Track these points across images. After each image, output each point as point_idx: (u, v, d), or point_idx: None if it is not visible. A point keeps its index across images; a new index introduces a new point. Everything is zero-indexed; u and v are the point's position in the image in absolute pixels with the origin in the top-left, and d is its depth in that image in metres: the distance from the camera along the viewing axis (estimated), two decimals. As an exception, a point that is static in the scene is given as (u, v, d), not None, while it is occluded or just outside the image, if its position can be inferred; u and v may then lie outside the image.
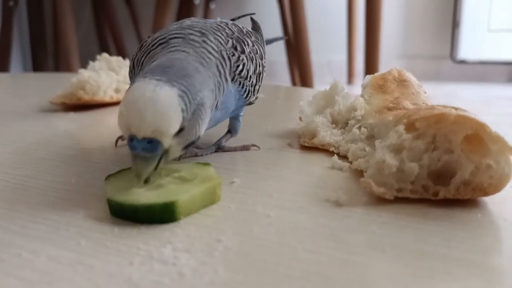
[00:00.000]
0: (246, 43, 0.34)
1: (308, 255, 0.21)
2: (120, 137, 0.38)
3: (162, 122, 0.25)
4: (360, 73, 1.62)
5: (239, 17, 0.44)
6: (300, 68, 1.23)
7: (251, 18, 0.42)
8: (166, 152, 0.26)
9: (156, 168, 0.26)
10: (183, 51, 0.30)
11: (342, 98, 0.39)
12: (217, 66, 0.30)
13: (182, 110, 0.26)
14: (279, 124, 0.44)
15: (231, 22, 0.36)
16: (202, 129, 0.28)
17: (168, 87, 0.26)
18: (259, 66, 0.35)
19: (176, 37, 0.31)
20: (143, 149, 0.25)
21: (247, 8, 1.94)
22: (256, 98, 0.36)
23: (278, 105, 0.59)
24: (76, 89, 0.51)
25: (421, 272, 0.20)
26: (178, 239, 0.23)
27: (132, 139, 0.25)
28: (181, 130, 0.26)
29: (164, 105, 0.25)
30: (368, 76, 0.40)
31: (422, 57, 1.98)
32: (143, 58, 0.32)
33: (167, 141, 0.26)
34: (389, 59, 1.76)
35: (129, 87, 0.27)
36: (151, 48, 0.31)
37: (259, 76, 0.35)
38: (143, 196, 0.25)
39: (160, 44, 0.31)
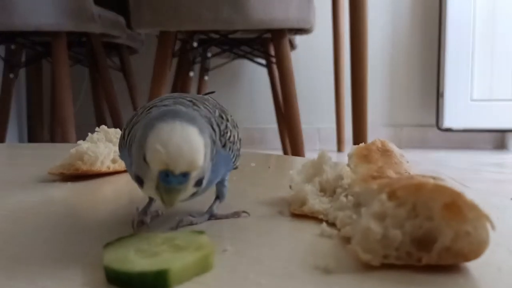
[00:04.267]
0: (226, 113, 0.37)
1: (298, 321, 0.22)
2: (134, 221, 0.35)
3: (196, 157, 0.28)
4: (350, 140, 1.67)
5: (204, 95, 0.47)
6: (290, 136, 1.27)
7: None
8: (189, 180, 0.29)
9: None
10: (175, 106, 0.33)
11: (330, 167, 0.41)
12: (211, 127, 0.33)
13: (205, 145, 0.29)
14: (270, 192, 0.46)
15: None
16: (206, 169, 0.30)
17: (191, 126, 0.29)
18: (238, 134, 0.38)
19: (168, 101, 0.34)
20: (178, 183, 0.28)
21: (240, 79, 2.02)
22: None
23: (269, 173, 0.61)
24: (74, 159, 0.53)
25: (407, 337, 0.21)
26: (172, 306, 0.24)
27: (167, 174, 0.27)
28: None
29: (194, 141, 0.28)
30: (354, 147, 0.42)
31: (409, 125, 2.04)
32: (134, 124, 0.33)
33: (196, 173, 0.29)
34: (376, 127, 1.82)
35: (154, 127, 0.29)
36: (145, 112, 0.34)
37: (240, 142, 0.38)
38: (138, 264, 0.26)
39: (154, 107, 0.34)
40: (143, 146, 0.29)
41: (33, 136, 1.83)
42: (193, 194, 0.31)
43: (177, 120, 0.29)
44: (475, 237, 0.27)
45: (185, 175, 0.28)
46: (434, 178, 0.30)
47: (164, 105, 0.33)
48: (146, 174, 0.29)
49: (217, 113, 0.35)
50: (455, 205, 0.28)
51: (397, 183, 0.30)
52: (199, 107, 0.34)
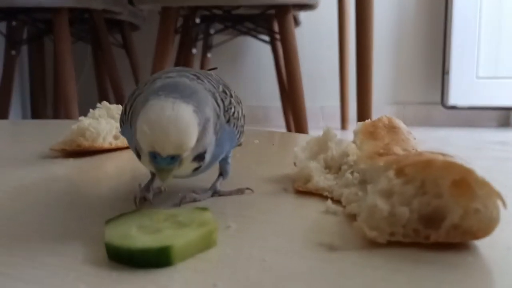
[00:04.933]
0: (230, 88, 0.36)
1: (303, 299, 0.22)
2: (136, 197, 0.35)
3: (184, 140, 0.27)
4: (354, 118, 1.66)
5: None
6: (294, 114, 1.26)
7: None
8: (181, 160, 0.28)
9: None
10: (180, 78, 0.32)
11: (335, 144, 0.40)
12: (215, 101, 0.32)
13: (198, 124, 0.28)
14: (274, 169, 0.45)
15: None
16: (208, 144, 0.30)
17: (184, 105, 0.27)
18: (242, 110, 0.37)
19: (172, 73, 0.33)
20: (167, 164, 0.27)
21: (243, 56, 2.00)
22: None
23: (273, 150, 0.60)
24: (76, 136, 0.52)
25: (414, 315, 0.21)
26: (175, 283, 0.23)
27: (155, 156, 0.27)
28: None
29: (184, 123, 0.27)
30: (359, 123, 0.41)
31: (413, 103, 2.02)
32: (136, 97, 0.32)
33: (189, 152, 0.28)
34: (381, 106, 1.80)
35: (146, 105, 0.28)
36: (147, 85, 0.33)
37: (243, 118, 0.37)
38: (140, 240, 0.26)
39: (157, 79, 0.33)
40: (135, 123, 0.28)
41: (37, 113, 1.83)
42: (197, 169, 0.30)
43: (170, 98, 0.28)
44: (485, 214, 0.27)
45: (174, 157, 0.27)
46: (443, 155, 0.29)
47: (169, 77, 0.32)
48: (140, 150, 0.29)
49: (220, 88, 0.34)
50: (464, 182, 0.28)
51: (405, 160, 0.29)
52: (203, 81, 0.33)
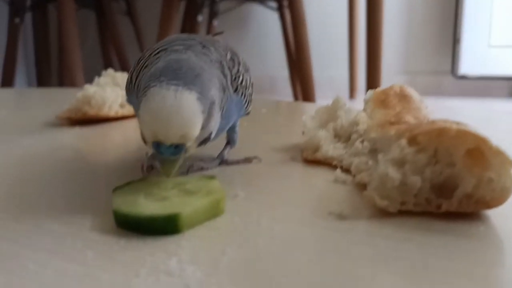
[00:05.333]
0: (238, 55, 0.35)
1: (312, 268, 0.22)
2: (143, 165, 0.34)
3: (188, 129, 0.26)
4: (362, 88, 1.63)
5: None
6: (302, 83, 1.24)
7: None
8: (186, 149, 0.27)
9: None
10: (186, 53, 0.30)
11: (345, 113, 0.39)
12: (221, 73, 0.31)
13: (202, 112, 0.27)
14: (282, 138, 0.45)
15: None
16: (214, 126, 0.29)
17: (187, 92, 0.26)
18: (250, 78, 0.35)
19: (178, 45, 0.31)
20: (171, 154, 0.26)
21: (249, 24, 1.96)
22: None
23: (280, 119, 0.60)
24: (81, 104, 0.52)
25: (424, 285, 0.20)
26: (183, 251, 0.23)
27: (158, 145, 0.26)
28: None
29: (188, 112, 0.26)
30: (370, 91, 0.40)
31: (423, 72, 1.99)
32: (142, 68, 0.31)
33: (190, 143, 0.27)
34: (390, 75, 1.78)
35: (147, 93, 0.27)
36: (153, 55, 0.31)
37: (252, 86, 0.36)
38: (147, 207, 0.25)
39: (162, 50, 0.31)
40: (140, 102, 0.27)
41: (42, 80, 1.82)
42: (203, 142, 0.29)
43: (172, 85, 0.26)
44: (498, 184, 0.26)
45: (178, 146, 0.26)
46: (457, 123, 0.28)
47: (175, 51, 0.31)
48: (145, 139, 0.28)
49: (228, 56, 0.33)
50: (478, 151, 0.27)
51: (418, 128, 0.28)
52: (209, 50, 0.32)
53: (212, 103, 0.28)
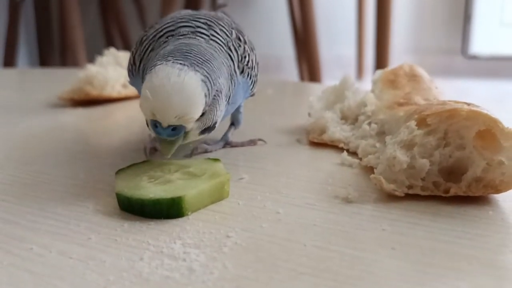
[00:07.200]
0: (243, 33, 0.33)
1: (317, 252, 0.21)
2: (146, 147, 0.34)
3: (187, 110, 0.25)
4: (370, 68, 1.61)
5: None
6: (308, 63, 1.22)
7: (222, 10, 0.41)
8: (186, 133, 0.27)
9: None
10: (195, 38, 0.29)
11: (352, 94, 0.39)
12: (228, 59, 0.30)
13: (205, 95, 0.26)
14: (287, 120, 0.44)
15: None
16: (219, 116, 0.28)
17: (192, 73, 0.26)
18: (256, 57, 0.35)
19: (185, 26, 0.30)
20: (168, 135, 0.26)
21: (254, 1, 1.93)
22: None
23: (286, 100, 0.59)
24: (84, 84, 0.51)
25: (431, 269, 0.20)
26: (187, 234, 0.23)
27: (156, 125, 0.26)
28: (202, 114, 0.26)
29: (189, 92, 0.25)
30: (379, 71, 0.39)
31: (433, 51, 1.96)
32: (147, 51, 0.30)
33: (190, 126, 0.26)
34: (399, 54, 1.75)
35: (152, 69, 0.26)
36: (158, 37, 0.30)
37: (257, 66, 0.35)
38: (150, 190, 0.25)
39: (169, 31, 0.30)
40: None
41: (44, 60, 1.81)
42: (206, 130, 0.28)
43: (178, 64, 0.25)
44: (508, 167, 0.26)
45: (176, 129, 0.26)
46: (468, 104, 0.27)
47: (183, 35, 0.30)
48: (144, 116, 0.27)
49: (234, 35, 0.32)
50: (489, 133, 0.26)
51: (428, 110, 0.27)
52: (216, 32, 0.31)
53: (218, 91, 0.27)
